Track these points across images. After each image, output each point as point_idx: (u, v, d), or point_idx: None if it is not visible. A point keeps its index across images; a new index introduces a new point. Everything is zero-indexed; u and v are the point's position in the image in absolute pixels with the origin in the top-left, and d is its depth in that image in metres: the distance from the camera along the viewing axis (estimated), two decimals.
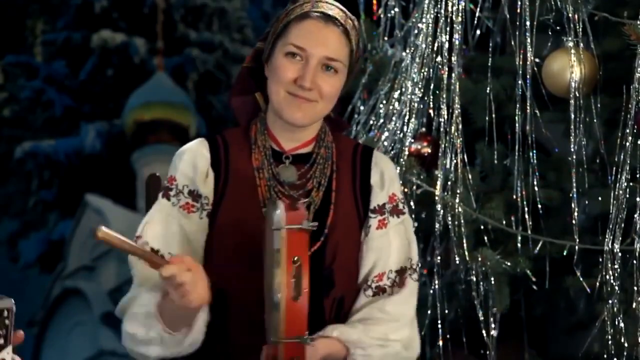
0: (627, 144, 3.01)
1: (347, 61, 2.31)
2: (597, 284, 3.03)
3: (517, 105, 3.19)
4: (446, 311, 3.27)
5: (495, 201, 3.25)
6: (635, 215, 2.99)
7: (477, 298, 3.17)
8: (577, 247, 3.09)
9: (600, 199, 3.15)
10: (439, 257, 3.25)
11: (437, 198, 3.21)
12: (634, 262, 2.97)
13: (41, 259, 14.70)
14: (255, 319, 2.18)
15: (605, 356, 2.99)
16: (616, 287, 2.98)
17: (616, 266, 2.99)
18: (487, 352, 3.20)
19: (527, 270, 3.19)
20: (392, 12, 3.61)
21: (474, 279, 3.17)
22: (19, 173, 15.18)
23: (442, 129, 3.26)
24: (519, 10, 3.19)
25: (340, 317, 2.32)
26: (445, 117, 3.25)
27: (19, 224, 15.29)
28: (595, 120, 3.12)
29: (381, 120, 3.43)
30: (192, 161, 2.34)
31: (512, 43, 3.24)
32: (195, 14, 15.77)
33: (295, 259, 2.00)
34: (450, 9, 3.25)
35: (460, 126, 3.23)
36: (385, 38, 3.65)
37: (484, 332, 3.19)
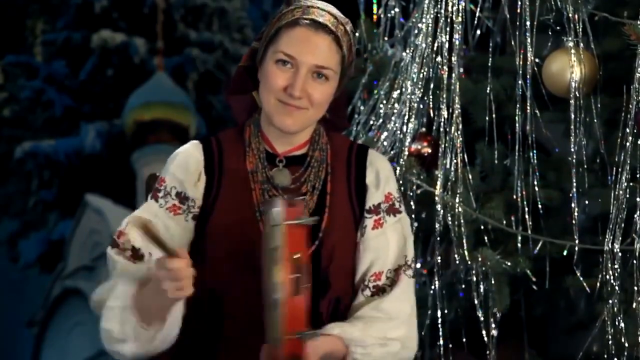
0: (627, 144, 3.01)
1: (339, 67, 2.30)
2: (597, 284, 3.03)
3: (517, 105, 3.20)
4: (446, 311, 3.27)
5: (495, 201, 3.25)
6: (635, 215, 2.99)
7: (477, 298, 3.17)
8: (577, 247, 3.09)
9: (600, 199, 3.15)
10: (439, 257, 3.25)
11: (437, 198, 3.21)
12: (634, 262, 2.97)
13: (41, 259, 14.69)
14: (251, 319, 2.19)
15: (605, 356, 2.99)
16: (616, 287, 2.98)
17: (616, 266, 2.99)
18: (487, 352, 3.20)
19: (527, 270, 3.19)
20: (392, 12, 3.62)
21: (474, 279, 3.17)
22: (19, 173, 15.16)
23: (442, 129, 3.26)
24: (519, 10, 3.19)
25: (336, 317, 2.32)
26: (445, 117, 3.25)
27: (19, 224, 15.28)
28: (595, 120, 3.12)
29: (381, 120, 3.43)
30: (184, 164, 2.35)
31: (512, 43, 3.24)
32: (195, 14, 15.76)
33: (295, 255, 2.00)
34: (450, 9, 3.25)
35: (460, 126, 3.23)
36: (385, 38, 3.65)
37: (484, 332, 3.19)
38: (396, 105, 3.38)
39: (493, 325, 3.19)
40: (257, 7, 16.52)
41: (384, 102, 3.44)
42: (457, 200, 3.20)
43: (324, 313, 2.31)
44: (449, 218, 3.20)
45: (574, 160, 3.11)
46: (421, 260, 3.43)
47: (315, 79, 2.27)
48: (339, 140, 2.43)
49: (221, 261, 2.29)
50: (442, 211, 3.21)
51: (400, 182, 3.25)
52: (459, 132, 3.23)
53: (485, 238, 3.23)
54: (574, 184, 3.10)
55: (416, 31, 3.35)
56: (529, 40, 3.16)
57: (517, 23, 3.19)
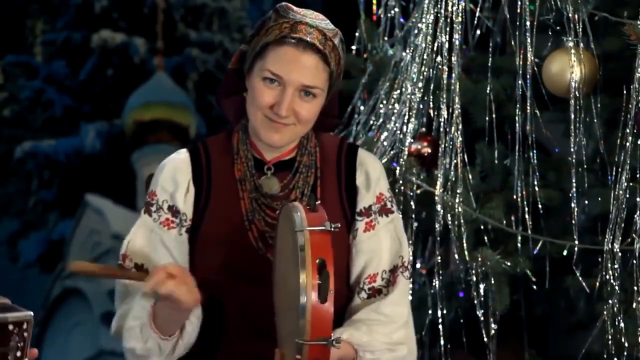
0: (627, 144, 3.01)
1: (326, 84, 2.29)
2: (597, 284, 3.03)
3: (517, 105, 3.20)
4: (446, 311, 3.27)
5: (495, 201, 3.25)
6: (635, 215, 2.99)
7: (477, 298, 3.17)
8: (577, 247, 3.09)
9: (600, 199, 3.15)
10: (438, 257, 3.25)
11: (437, 198, 3.21)
12: (634, 262, 2.97)
13: (41, 259, 14.71)
14: (248, 326, 2.23)
15: (605, 356, 2.99)
16: (616, 287, 2.98)
17: (616, 266, 2.99)
18: (487, 352, 3.20)
19: (527, 270, 3.19)
20: (392, 12, 3.61)
21: (474, 279, 3.17)
22: (19, 173, 15.18)
23: (442, 129, 3.26)
24: (519, 10, 3.19)
25: None
26: (445, 117, 3.25)
27: (19, 224, 15.29)
28: (595, 120, 3.12)
29: (381, 120, 3.43)
30: (173, 176, 2.35)
31: (512, 43, 3.24)
32: (195, 14, 15.77)
33: (319, 260, 2.00)
34: (450, 9, 3.25)
35: (460, 126, 3.23)
36: (385, 38, 3.65)
37: (483, 332, 3.19)
38: (396, 105, 3.38)
39: (493, 325, 3.19)
40: (257, 7, 16.51)
41: (384, 102, 3.44)
42: (457, 200, 3.20)
43: None
44: (449, 218, 3.20)
45: (574, 160, 3.11)
46: (421, 260, 3.43)
47: (302, 97, 2.26)
48: (328, 141, 2.42)
49: (212, 270, 2.30)
50: (442, 211, 3.21)
51: (400, 182, 3.25)
52: (459, 132, 3.23)
53: (485, 238, 3.23)
54: (574, 184, 3.10)
55: (416, 31, 3.35)
56: (529, 40, 3.16)
57: (517, 23, 3.19)
